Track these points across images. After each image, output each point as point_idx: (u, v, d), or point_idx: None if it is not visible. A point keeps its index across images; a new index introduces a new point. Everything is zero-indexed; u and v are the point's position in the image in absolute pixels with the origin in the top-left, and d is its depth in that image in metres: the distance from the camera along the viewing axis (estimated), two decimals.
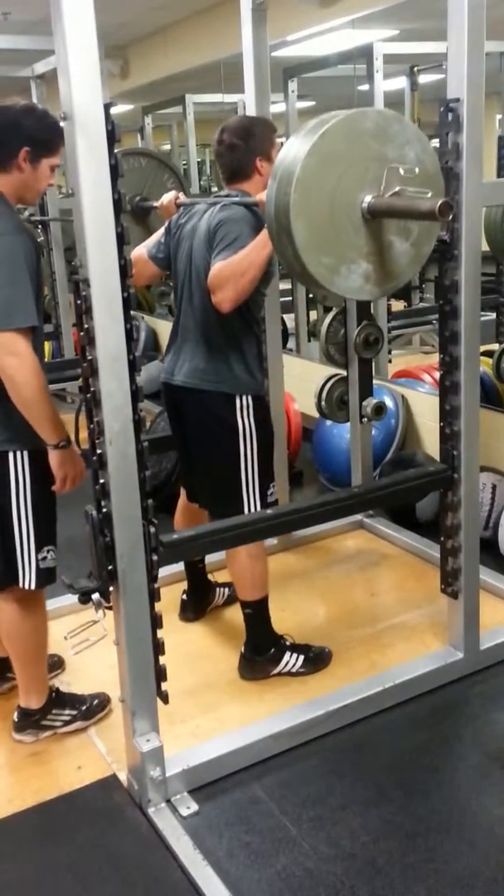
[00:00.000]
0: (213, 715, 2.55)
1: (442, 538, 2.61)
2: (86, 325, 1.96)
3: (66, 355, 5.69)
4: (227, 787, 2.27)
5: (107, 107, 1.85)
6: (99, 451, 2.02)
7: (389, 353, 4.98)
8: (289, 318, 5.38)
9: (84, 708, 2.52)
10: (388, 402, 3.93)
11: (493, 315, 4.67)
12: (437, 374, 2.60)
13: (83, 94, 1.82)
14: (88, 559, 2.10)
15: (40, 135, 2.19)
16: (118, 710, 2.34)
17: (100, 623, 2.16)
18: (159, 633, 2.16)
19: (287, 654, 2.71)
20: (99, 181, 1.87)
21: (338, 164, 2.02)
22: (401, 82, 5.36)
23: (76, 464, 2.28)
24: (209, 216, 2.55)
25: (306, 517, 2.54)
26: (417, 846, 2.05)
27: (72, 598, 2.30)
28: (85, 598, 2.08)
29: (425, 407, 4.09)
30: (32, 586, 2.33)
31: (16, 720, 2.48)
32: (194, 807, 2.20)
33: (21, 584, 2.32)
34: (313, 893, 1.94)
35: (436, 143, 2.34)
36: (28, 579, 2.32)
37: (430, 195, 2.07)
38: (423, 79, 5.35)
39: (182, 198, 2.83)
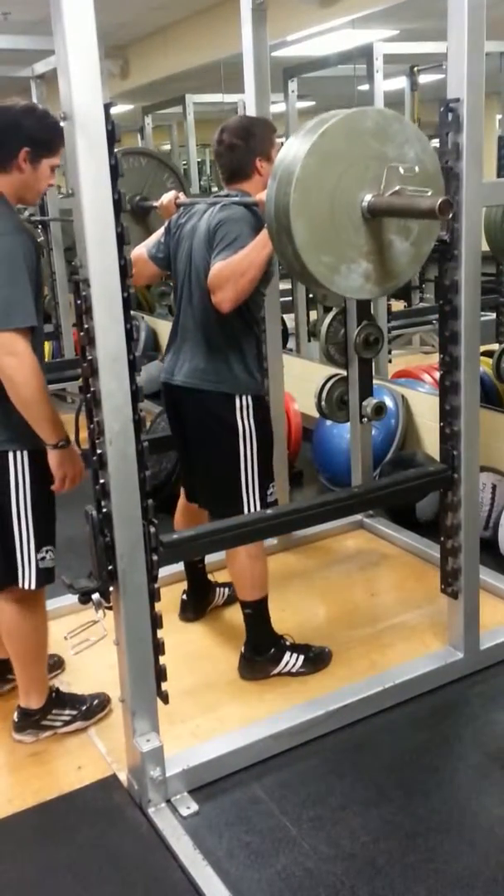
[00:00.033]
0: (213, 715, 2.55)
1: (442, 538, 2.61)
2: (86, 325, 1.96)
3: (66, 355, 5.69)
4: (227, 787, 2.27)
5: (107, 107, 1.85)
6: (99, 451, 2.02)
7: (389, 353, 4.98)
8: (289, 318, 5.38)
9: (84, 708, 2.52)
10: (388, 402, 3.93)
11: (493, 315, 4.67)
12: (437, 374, 2.60)
13: (83, 94, 1.82)
14: (88, 559, 2.10)
15: (40, 135, 2.19)
16: (118, 710, 2.34)
17: (100, 623, 2.16)
18: (159, 633, 2.16)
19: (287, 654, 2.71)
20: (99, 181, 1.87)
21: (338, 164, 2.02)
22: (401, 82, 5.36)
23: (75, 464, 2.28)
24: (209, 216, 2.55)
25: (306, 517, 2.54)
26: (417, 846, 2.05)
27: (72, 598, 2.30)
28: (85, 598, 2.08)
29: (425, 407, 4.09)
30: (32, 586, 2.33)
31: (16, 720, 2.48)
32: (194, 807, 2.20)
33: (21, 584, 2.32)
34: (313, 893, 1.94)
35: (436, 142, 2.34)
36: (28, 579, 2.32)
37: (429, 194, 2.07)
38: (423, 79, 5.35)
39: (182, 198, 2.83)
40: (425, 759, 2.35)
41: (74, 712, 2.51)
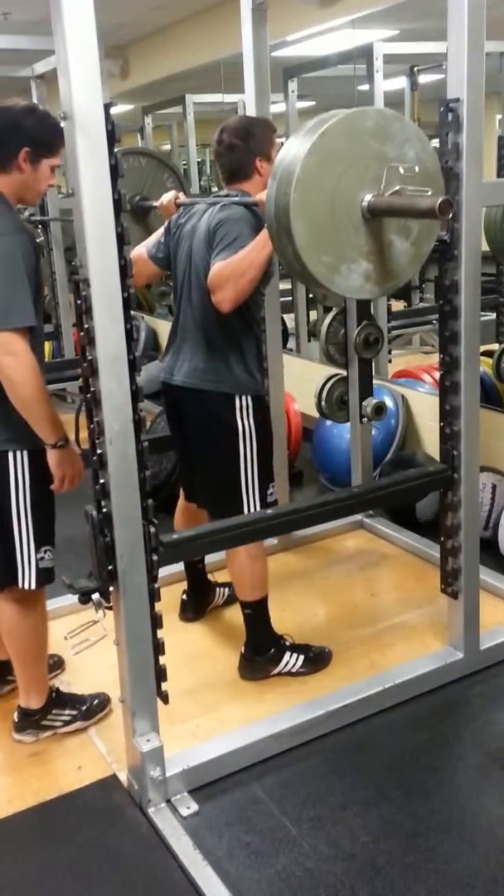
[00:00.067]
0: (213, 715, 2.55)
1: (442, 538, 2.61)
2: (86, 325, 1.96)
3: (66, 355, 5.69)
4: (227, 787, 2.27)
5: (107, 107, 1.85)
6: (99, 451, 2.02)
7: (389, 353, 4.98)
8: (289, 318, 5.38)
9: (84, 708, 2.52)
10: (388, 402, 3.93)
11: (493, 315, 4.67)
12: (437, 374, 2.60)
13: (83, 94, 1.82)
14: (88, 559, 2.10)
15: (40, 135, 2.19)
16: (118, 710, 2.34)
17: (100, 623, 2.16)
18: (159, 633, 2.16)
19: (287, 654, 2.71)
20: (99, 181, 1.87)
21: (338, 164, 2.02)
22: (401, 82, 5.36)
23: (74, 463, 2.28)
24: (209, 216, 2.55)
25: (306, 517, 2.54)
26: (417, 846, 2.05)
27: (72, 598, 2.30)
28: (85, 598, 2.08)
29: (425, 407, 4.09)
30: (32, 586, 2.33)
31: (16, 720, 2.48)
32: (194, 807, 2.20)
33: (20, 584, 2.32)
34: (313, 893, 1.94)
35: (436, 142, 2.34)
36: (27, 579, 2.32)
37: (429, 194, 2.07)
38: (423, 79, 5.35)
39: (182, 197, 2.83)
40: (425, 759, 2.35)
41: (74, 712, 2.51)
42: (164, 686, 2.20)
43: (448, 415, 2.50)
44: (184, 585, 3.10)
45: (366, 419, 3.37)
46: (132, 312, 1.99)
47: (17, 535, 2.29)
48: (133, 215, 3.39)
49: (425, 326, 5.74)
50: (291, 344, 5.56)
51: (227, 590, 3.13)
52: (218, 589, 3.14)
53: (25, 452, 2.26)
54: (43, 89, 5.31)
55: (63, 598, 2.85)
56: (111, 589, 2.10)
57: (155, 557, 2.12)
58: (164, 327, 6.26)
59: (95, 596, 2.09)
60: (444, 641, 2.75)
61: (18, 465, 2.26)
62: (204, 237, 2.53)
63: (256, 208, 2.49)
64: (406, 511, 3.69)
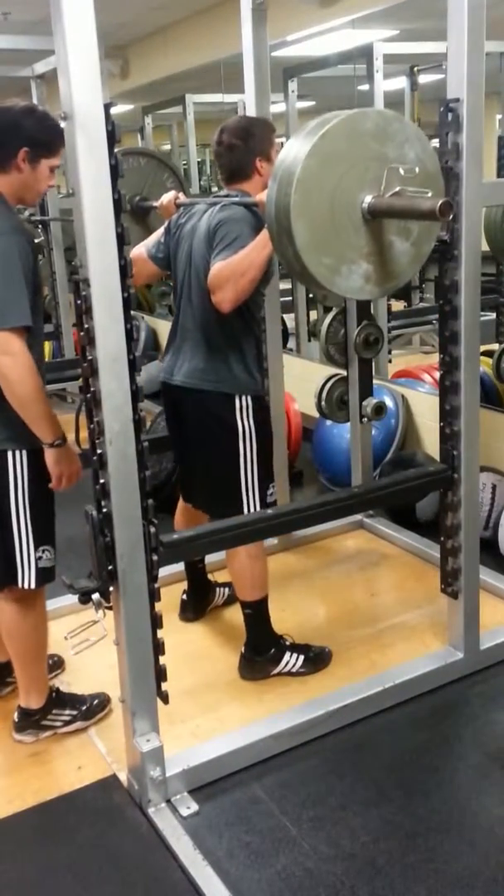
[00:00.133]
0: (213, 715, 2.55)
1: (442, 538, 2.61)
2: (86, 325, 1.96)
3: (66, 355, 5.69)
4: (227, 787, 2.27)
5: (107, 107, 1.85)
6: (99, 451, 2.02)
7: (389, 353, 4.98)
8: (289, 318, 5.38)
9: (84, 708, 2.52)
10: (388, 402, 3.93)
11: (493, 315, 4.67)
12: (437, 374, 2.60)
13: (83, 94, 1.82)
14: (88, 559, 2.10)
15: (40, 136, 2.20)
16: (118, 710, 2.34)
17: (100, 623, 2.16)
18: (159, 633, 2.16)
19: (287, 654, 2.71)
20: (99, 181, 1.87)
21: (338, 165, 2.02)
22: (401, 82, 5.36)
23: (72, 462, 2.28)
24: (209, 216, 2.55)
25: (306, 517, 2.54)
26: (417, 846, 2.05)
27: (72, 598, 2.30)
28: (85, 598, 2.08)
29: (425, 407, 4.09)
30: (32, 585, 2.33)
31: (16, 720, 2.48)
32: (194, 807, 2.20)
33: (20, 584, 2.32)
34: (313, 893, 1.94)
35: (436, 143, 2.34)
36: (27, 578, 2.32)
37: (430, 195, 2.07)
38: (423, 79, 5.35)
39: (182, 198, 2.83)
40: (425, 759, 2.35)
41: (74, 712, 2.51)
42: (164, 686, 2.20)
43: (448, 415, 2.50)
44: (184, 585, 3.10)
45: (366, 419, 3.37)
46: (132, 312, 1.99)
47: (16, 534, 2.30)
48: (133, 215, 3.39)
49: (425, 326, 5.74)
50: (291, 344, 5.56)
51: (227, 590, 3.13)
52: (218, 589, 3.14)
53: (24, 452, 2.26)
54: (43, 89, 5.31)
55: (63, 598, 2.85)
56: (111, 589, 2.10)
57: (155, 557, 2.12)
58: (164, 327, 6.26)
59: (95, 596, 2.09)
60: (444, 641, 2.75)
61: (17, 464, 2.26)
62: (204, 237, 2.53)
63: (256, 209, 2.49)
64: (406, 511, 3.69)
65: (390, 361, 4.98)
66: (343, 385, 3.34)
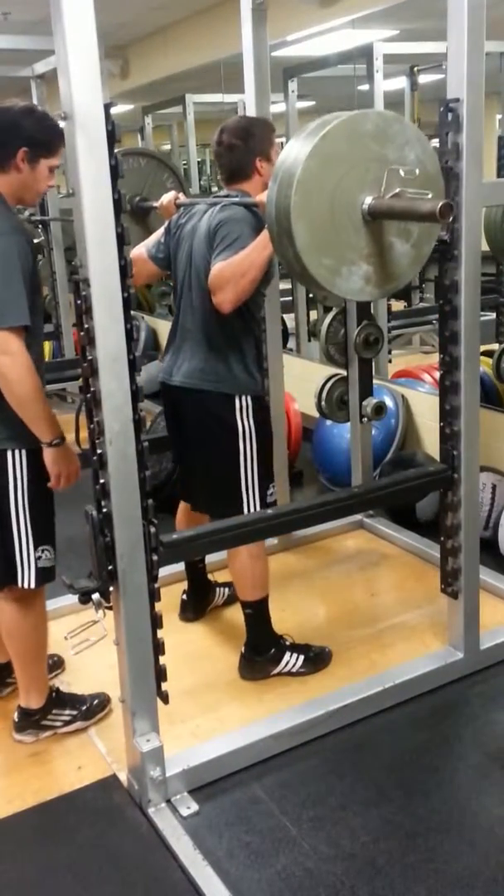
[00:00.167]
0: (213, 715, 2.55)
1: (442, 538, 2.61)
2: (86, 325, 1.96)
3: (66, 355, 5.70)
4: (227, 787, 2.27)
5: (107, 107, 1.85)
6: (99, 451, 2.02)
7: (389, 353, 4.98)
8: (289, 318, 5.38)
9: (84, 708, 2.52)
10: (388, 402, 3.93)
11: (493, 315, 4.67)
12: (437, 374, 2.60)
13: (83, 94, 1.82)
14: (88, 559, 2.10)
15: (39, 136, 2.20)
16: (118, 710, 2.34)
17: (100, 623, 2.16)
18: (159, 633, 2.16)
19: (287, 654, 2.71)
20: (99, 181, 1.87)
21: (339, 166, 2.02)
22: (401, 82, 5.36)
23: (70, 462, 2.28)
24: (209, 216, 2.55)
25: (306, 517, 2.54)
26: (417, 846, 2.05)
27: (72, 598, 2.30)
28: (85, 598, 2.08)
29: (425, 407, 4.09)
30: (31, 585, 2.33)
31: (16, 720, 2.48)
32: (194, 807, 2.20)
33: (20, 583, 2.33)
34: (313, 893, 1.94)
35: (436, 142, 2.34)
36: (26, 578, 2.32)
37: (430, 196, 2.07)
38: (423, 79, 5.35)
39: (182, 198, 2.83)
40: (425, 759, 2.35)
41: (74, 712, 2.51)
42: (164, 686, 2.20)
43: (448, 415, 2.50)
44: (184, 585, 3.10)
45: (366, 419, 3.37)
46: (132, 312, 1.99)
47: (15, 533, 2.30)
48: (133, 216, 3.40)
49: (425, 326, 5.74)
50: (291, 344, 5.56)
51: (227, 590, 3.13)
52: (218, 589, 3.14)
53: (24, 451, 2.26)
54: (43, 89, 5.31)
55: (63, 598, 2.86)
56: (111, 589, 2.10)
57: (155, 557, 2.12)
58: (164, 327, 6.26)
59: (95, 596, 2.09)
60: (444, 641, 2.75)
61: (17, 463, 2.26)
62: (204, 238, 2.53)
63: (257, 209, 2.49)
64: (406, 511, 3.69)
65: (390, 361, 4.98)
66: (343, 385, 3.34)
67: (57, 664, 2.79)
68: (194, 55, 5.85)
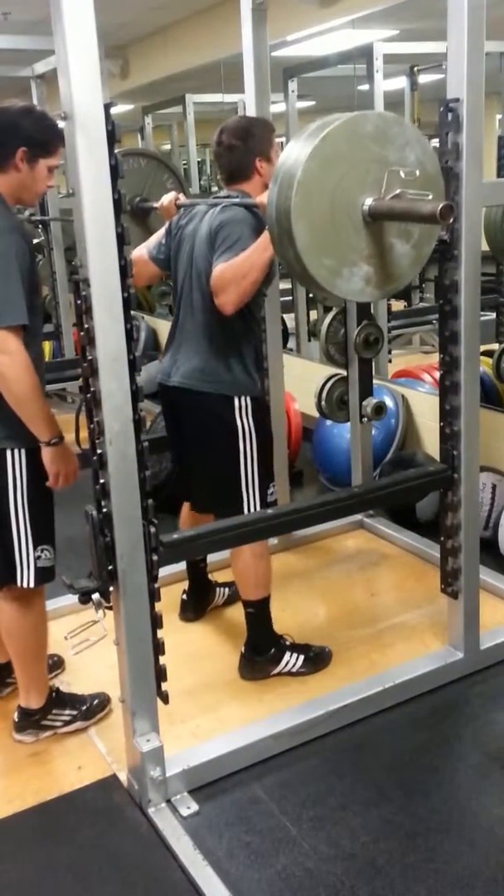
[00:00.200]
0: (213, 715, 2.55)
1: (442, 538, 2.61)
2: (86, 325, 1.96)
3: (66, 355, 5.70)
4: (227, 787, 2.27)
5: (107, 107, 1.85)
6: (99, 451, 2.02)
7: (389, 353, 4.98)
8: (289, 318, 5.38)
9: (84, 708, 2.52)
10: (388, 402, 3.93)
11: (493, 315, 4.67)
12: (437, 374, 2.60)
13: (83, 94, 1.82)
14: (88, 559, 2.10)
15: (38, 136, 2.20)
16: (118, 710, 2.34)
17: (100, 623, 2.16)
18: (159, 633, 2.16)
19: (287, 654, 2.71)
20: (99, 181, 1.87)
21: (339, 167, 2.02)
22: (401, 82, 5.36)
23: (69, 461, 2.28)
24: (210, 218, 2.54)
25: (306, 517, 2.54)
26: (417, 846, 2.05)
27: (72, 598, 2.30)
28: (85, 598, 2.08)
29: (425, 407, 4.09)
30: (31, 584, 2.33)
31: (16, 720, 2.48)
32: (194, 807, 2.20)
33: (19, 583, 2.33)
34: (313, 893, 1.94)
35: (436, 143, 2.34)
36: (26, 577, 2.32)
37: (430, 197, 2.07)
38: (423, 79, 5.35)
39: (182, 198, 2.82)
40: (425, 759, 2.35)
41: (74, 712, 2.51)
42: (164, 686, 2.20)
43: (448, 415, 2.50)
44: (184, 585, 3.10)
45: (366, 419, 3.37)
46: (132, 312, 1.99)
47: (15, 533, 2.30)
48: (133, 216, 3.39)
49: (425, 326, 5.74)
50: (291, 344, 5.56)
51: (227, 590, 3.13)
52: (218, 589, 3.14)
53: (23, 451, 2.26)
54: (43, 89, 5.31)
55: (63, 598, 2.86)
56: (111, 589, 2.10)
57: (155, 557, 2.12)
58: (164, 327, 6.25)
59: (95, 596, 2.09)
60: (444, 641, 2.75)
61: (16, 463, 2.26)
62: (205, 239, 2.53)
63: (257, 210, 2.49)
64: (406, 511, 3.69)
65: (390, 361, 4.98)
66: (343, 385, 3.34)
67: (57, 664, 2.79)
68: (194, 55, 5.85)
